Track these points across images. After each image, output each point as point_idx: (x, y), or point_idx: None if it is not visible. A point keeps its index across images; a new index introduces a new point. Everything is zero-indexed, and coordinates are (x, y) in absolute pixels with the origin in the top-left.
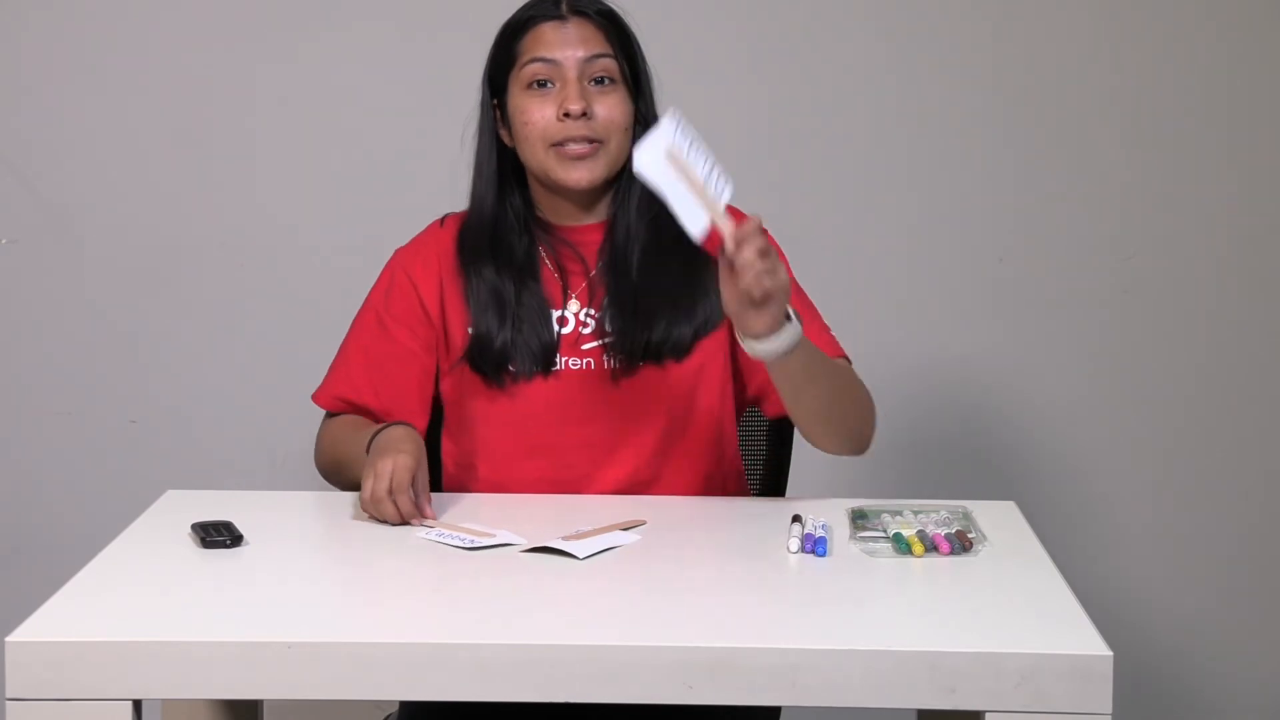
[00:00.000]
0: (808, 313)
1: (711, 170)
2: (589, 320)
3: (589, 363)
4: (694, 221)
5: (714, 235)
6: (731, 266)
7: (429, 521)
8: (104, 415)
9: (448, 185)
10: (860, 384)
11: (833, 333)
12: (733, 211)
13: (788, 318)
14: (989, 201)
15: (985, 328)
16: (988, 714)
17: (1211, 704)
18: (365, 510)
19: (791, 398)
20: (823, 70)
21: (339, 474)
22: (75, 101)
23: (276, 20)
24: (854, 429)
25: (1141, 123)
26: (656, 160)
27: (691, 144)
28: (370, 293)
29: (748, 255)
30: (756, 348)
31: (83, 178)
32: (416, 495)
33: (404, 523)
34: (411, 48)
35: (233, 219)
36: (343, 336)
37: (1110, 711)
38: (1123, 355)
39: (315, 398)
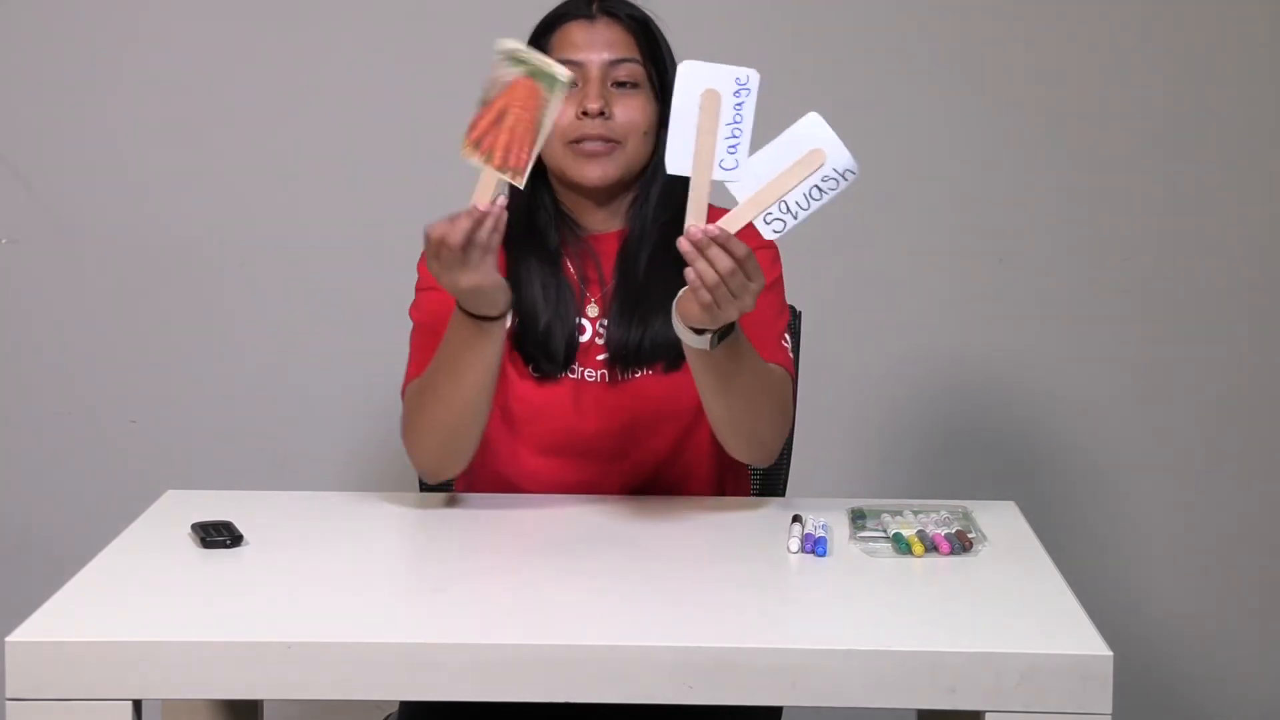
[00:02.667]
0: (770, 314)
1: (735, 146)
2: (603, 330)
3: (602, 374)
4: (675, 159)
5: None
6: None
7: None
8: (104, 415)
9: (448, 184)
10: (784, 396)
11: (787, 346)
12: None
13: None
14: (989, 202)
15: (985, 328)
16: (988, 714)
17: (1211, 704)
18: (438, 253)
19: (705, 393)
20: (823, 71)
21: (432, 390)
22: (75, 101)
23: (277, 19)
24: (762, 438)
25: (1141, 123)
26: (695, 81)
27: (740, 108)
28: (419, 287)
29: (705, 270)
30: (678, 326)
31: (83, 178)
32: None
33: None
34: (413, 46)
35: (233, 219)
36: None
37: (1110, 711)
38: (1122, 355)
39: (404, 387)
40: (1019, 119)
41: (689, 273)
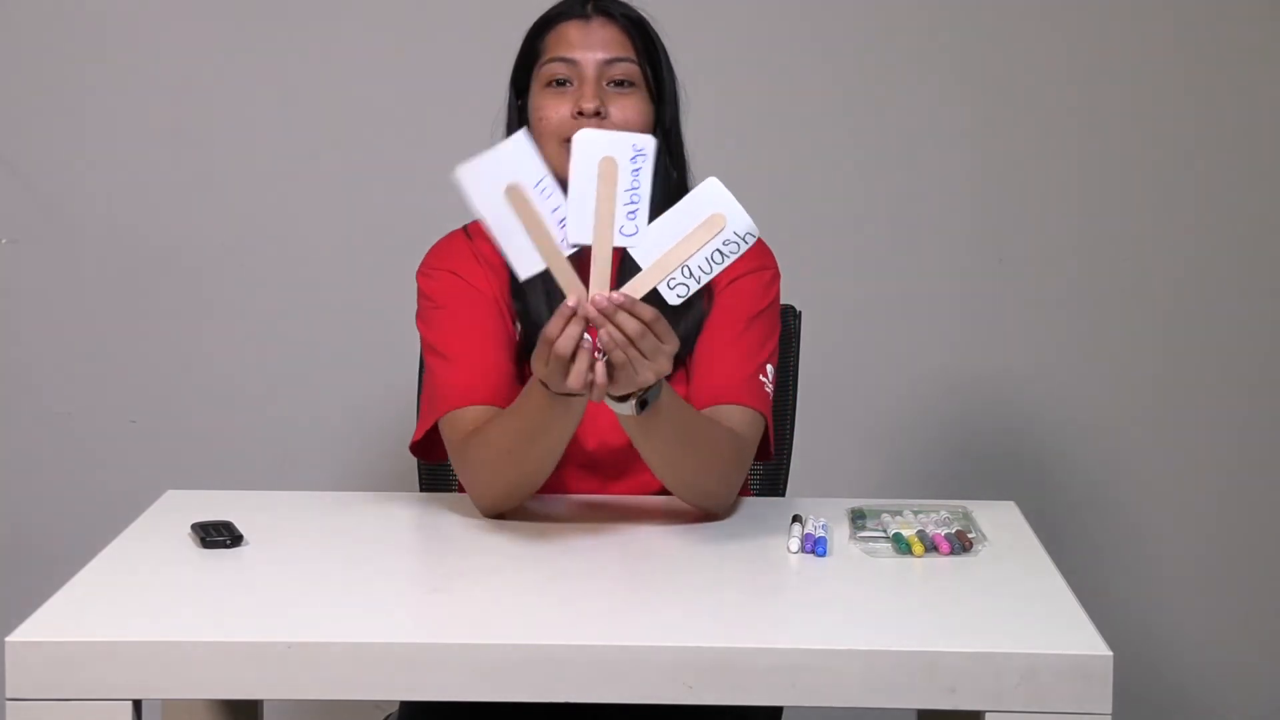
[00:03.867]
0: (750, 347)
1: (634, 212)
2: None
3: None
4: (576, 228)
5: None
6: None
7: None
8: (104, 415)
9: (447, 185)
10: (732, 445)
11: (766, 381)
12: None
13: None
14: (989, 202)
15: (985, 328)
16: (988, 714)
17: (1211, 704)
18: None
19: (638, 447)
20: (823, 71)
21: (500, 450)
22: (75, 101)
23: (278, 19)
24: (704, 487)
25: (1141, 123)
26: (592, 150)
27: (638, 174)
28: (422, 306)
29: (614, 333)
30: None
31: (83, 178)
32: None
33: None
34: (414, 46)
35: (233, 219)
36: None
37: (1110, 711)
38: (1122, 355)
39: (439, 417)
40: (1019, 119)
41: (600, 336)
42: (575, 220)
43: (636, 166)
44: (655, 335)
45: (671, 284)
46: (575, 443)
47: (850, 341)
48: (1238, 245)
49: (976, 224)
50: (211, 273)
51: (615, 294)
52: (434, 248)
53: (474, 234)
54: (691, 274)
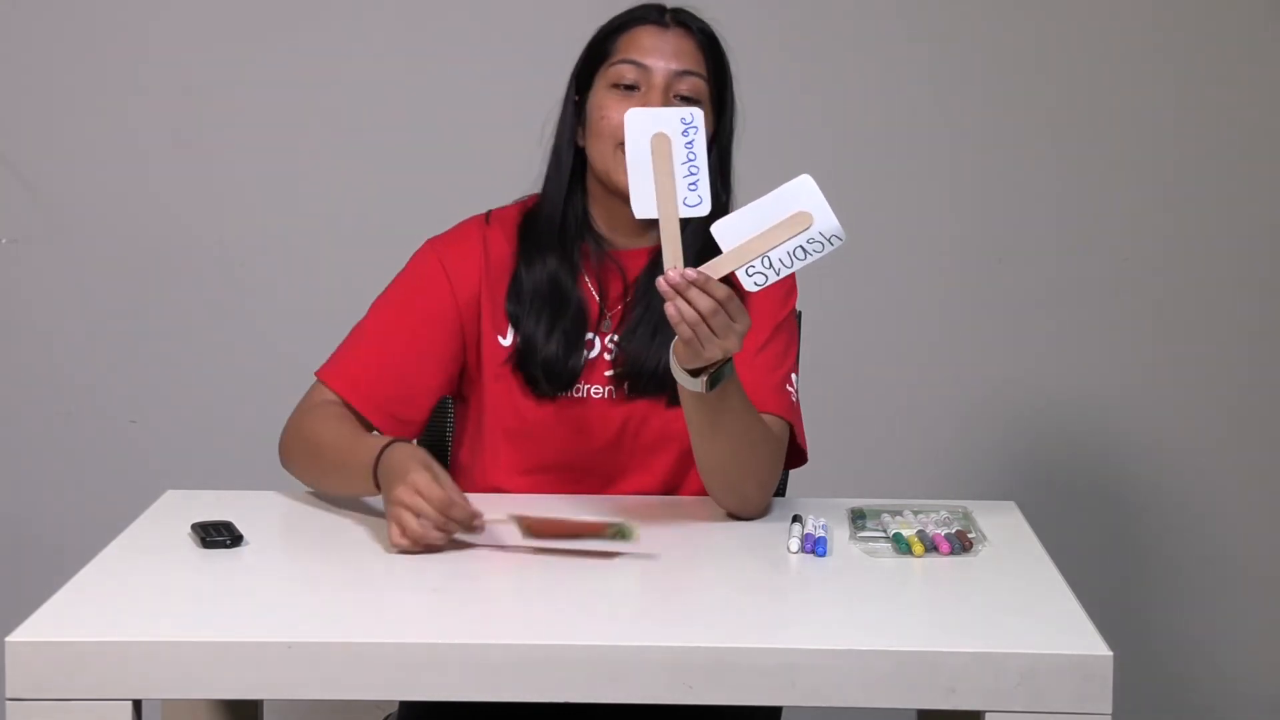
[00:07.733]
0: (771, 360)
1: (694, 183)
2: (612, 346)
3: (609, 390)
4: (640, 204)
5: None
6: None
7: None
8: (104, 415)
9: (447, 185)
10: (773, 454)
11: (792, 390)
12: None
13: (714, 369)
14: (989, 201)
15: (985, 328)
16: (988, 714)
17: (1211, 704)
18: (409, 548)
19: (695, 437)
20: (823, 71)
21: (317, 463)
22: (75, 101)
23: (277, 19)
24: (743, 491)
25: (1141, 123)
26: (642, 128)
27: (691, 145)
28: (397, 279)
29: (685, 308)
30: (674, 367)
31: (83, 178)
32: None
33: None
34: (409, 45)
35: (232, 219)
36: (340, 333)
37: (1110, 711)
38: (1121, 355)
39: (320, 372)
40: (1019, 119)
41: (668, 309)
42: (638, 196)
43: (689, 139)
44: (727, 314)
45: (750, 271)
46: (572, 449)
47: (850, 341)
48: (1238, 245)
49: (976, 224)
50: (211, 273)
51: (690, 270)
52: (450, 230)
53: (493, 221)
54: (771, 265)
